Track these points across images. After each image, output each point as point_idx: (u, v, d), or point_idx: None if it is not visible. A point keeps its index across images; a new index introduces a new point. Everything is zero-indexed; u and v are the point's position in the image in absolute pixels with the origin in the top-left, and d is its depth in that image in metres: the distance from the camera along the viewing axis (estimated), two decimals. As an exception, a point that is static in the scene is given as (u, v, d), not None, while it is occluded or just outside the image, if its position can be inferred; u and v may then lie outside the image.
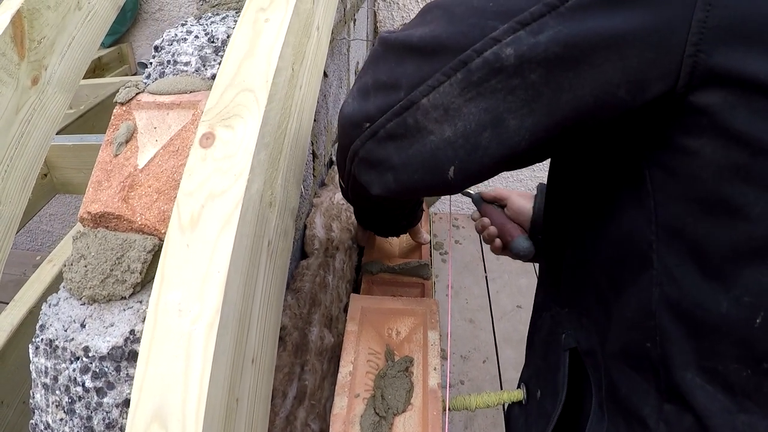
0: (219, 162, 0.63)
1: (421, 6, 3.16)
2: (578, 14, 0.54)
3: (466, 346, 2.94)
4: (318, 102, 1.34)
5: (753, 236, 0.54)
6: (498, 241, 1.24)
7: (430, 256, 1.48)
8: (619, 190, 0.67)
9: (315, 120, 1.33)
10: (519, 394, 1.00)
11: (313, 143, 1.35)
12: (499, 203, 1.31)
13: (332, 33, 1.54)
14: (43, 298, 1.54)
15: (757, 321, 0.55)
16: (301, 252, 1.33)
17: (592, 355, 0.77)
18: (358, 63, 2.33)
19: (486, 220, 1.30)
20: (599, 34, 0.54)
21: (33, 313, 1.50)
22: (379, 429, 0.91)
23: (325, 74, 1.46)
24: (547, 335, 0.91)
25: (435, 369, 1.00)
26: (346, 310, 1.31)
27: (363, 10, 2.51)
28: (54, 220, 4.00)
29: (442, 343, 2.90)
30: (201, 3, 0.99)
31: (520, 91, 0.59)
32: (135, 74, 3.30)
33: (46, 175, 1.97)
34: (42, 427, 0.66)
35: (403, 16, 3.12)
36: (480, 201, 1.34)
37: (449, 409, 0.99)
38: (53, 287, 1.59)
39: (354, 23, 2.15)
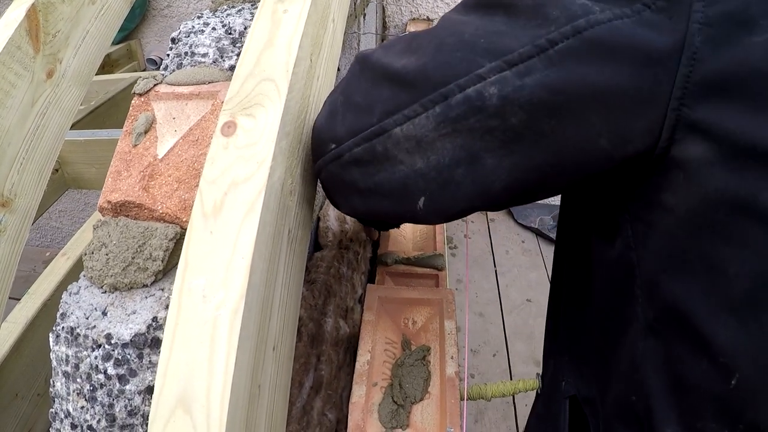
0: (241, 150, 0.64)
1: (429, 0, 3.17)
2: (567, 60, 0.54)
3: (476, 340, 2.95)
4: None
5: (728, 295, 0.52)
6: None
7: (445, 246, 1.48)
8: (605, 241, 0.66)
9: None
10: (534, 383, 1.01)
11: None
12: None
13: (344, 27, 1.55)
14: (57, 290, 1.55)
15: (732, 383, 0.53)
16: (315, 244, 1.33)
17: (591, 404, 0.76)
18: (367, 57, 2.34)
19: None
20: (587, 85, 0.53)
21: (48, 306, 1.51)
22: (397, 417, 0.91)
23: (339, 68, 1.47)
24: (550, 382, 0.90)
25: (452, 358, 1.01)
26: (360, 301, 1.31)
27: (372, 5, 2.51)
28: (63, 217, 4.01)
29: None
30: (216, -5, 0.99)
31: (498, 132, 0.58)
32: (144, 70, 3.31)
33: (57, 170, 1.98)
34: (63, 416, 0.66)
35: (411, 11, 3.12)
36: None
37: (467, 398, 0.99)
38: (68, 280, 1.59)
39: (364, 18, 2.16)
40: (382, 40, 3.09)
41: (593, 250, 0.69)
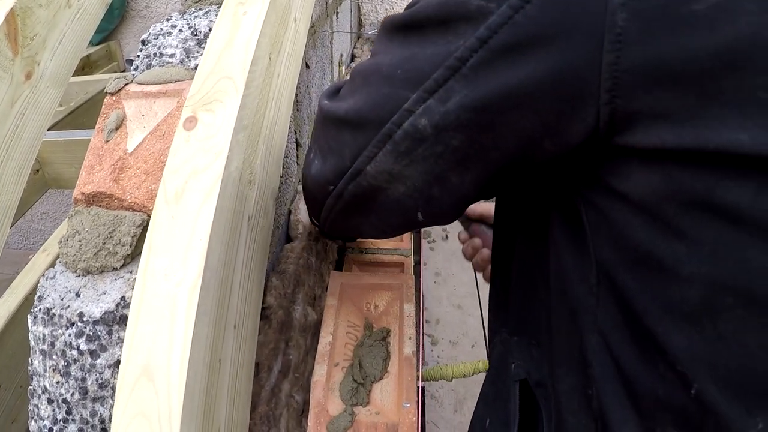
0: (201, 142, 0.69)
1: (404, -1, 3.21)
2: (482, 74, 0.52)
3: (455, 332, 3.00)
4: (300, 93, 1.39)
5: (683, 299, 0.49)
6: None
7: (411, 241, 1.53)
8: (565, 224, 0.62)
9: (298, 110, 1.38)
10: (493, 363, 1.04)
11: (296, 132, 1.40)
12: (488, 222, 1.20)
13: (314, 26, 1.59)
14: (38, 285, 1.58)
15: (692, 392, 0.49)
16: (286, 236, 1.38)
17: (543, 387, 0.72)
18: (342, 55, 2.38)
19: (477, 241, 1.19)
20: (505, 94, 0.52)
21: (29, 300, 1.54)
22: (358, 395, 0.97)
23: (308, 66, 1.51)
24: (497, 362, 0.85)
25: (410, 338, 1.06)
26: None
27: (346, 3, 2.55)
28: (45, 219, 4.02)
29: (431, 329, 2.96)
30: (185, -1, 1.04)
31: (448, 155, 0.59)
32: (123, 71, 3.32)
33: (38, 170, 2.00)
34: (40, 392, 0.71)
35: (386, 9, 3.16)
36: (467, 221, 1.22)
37: (426, 379, 1.05)
38: (48, 275, 1.63)
39: (337, 16, 2.20)
40: (358, 38, 3.13)
41: (552, 232, 0.65)
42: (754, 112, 0.43)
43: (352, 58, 2.94)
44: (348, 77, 0.72)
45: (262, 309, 1.09)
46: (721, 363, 0.47)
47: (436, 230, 3.74)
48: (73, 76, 1.09)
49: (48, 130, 1.03)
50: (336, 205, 0.76)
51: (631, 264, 0.53)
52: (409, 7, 0.62)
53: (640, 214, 0.51)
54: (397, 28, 0.62)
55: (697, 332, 0.48)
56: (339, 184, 0.71)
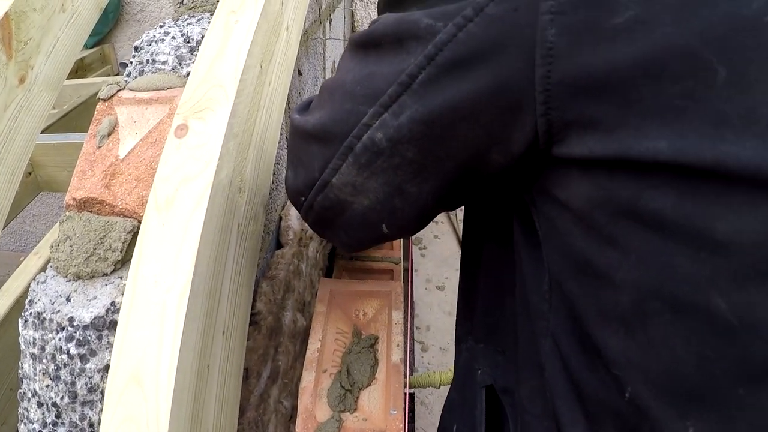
0: (192, 150, 0.70)
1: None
2: (431, 89, 0.55)
3: (445, 339, 3.01)
4: (293, 100, 1.40)
5: (617, 304, 0.50)
6: None
7: (401, 249, 1.54)
8: (524, 231, 0.65)
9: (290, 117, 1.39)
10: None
11: (288, 139, 1.41)
12: None
13: (307, 33, 1.60)
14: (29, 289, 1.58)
15: (626, 396, 0.51)
16: (277, 242, 1.39)
17: (509, 393, 0.76)
18: (334, 62, 2.38)
19: None
20: (451, 107, 0.54)
21: (20, 303, 1.54)
22: (345, 401, 0.97)
23: (300, 72, 1.52)
24: (463, 369, 0.87)
25: (398, 345, 1.07)
26: (318, 295, 1.37)
27: (339, 10, 2.56)
28: (37, 221, 4.02)
29: (421, 336, 2.97)
30: (179, 5, 1.05)
31: (405, 166, 0.61)
32: (117, 74, 3.31)
33: (30, 173, 2.00)
34: (30, 395, 0.72)
35: (380, 16, 3.17)
36: None
37: (414, 385, 1.05)
38: (39, 278, 1.62)
39: (330, 23, 2.21)
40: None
41: (515, 240, 0.68)
42: (672, 120, 0.44)
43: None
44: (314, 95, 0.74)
45: (252, 315, 1.10)
46: (652, 367, 0.49)
47: (427, 236, 3.76)
48: (66, 79, 1.10)
49: (41, 132, 1.03)
50: (308, 216, 0.77)
51: (575, 271, 0.55)
52: (371, 23, 0.64)
53: (579, 223, 0.53)
54: (358, 45, 0.65)
55: (630, 337, 0.50)
56: (309, 195, 0.73)
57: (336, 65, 2.48)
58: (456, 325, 0.93)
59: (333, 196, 0.69)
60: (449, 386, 0.91)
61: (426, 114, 0.56)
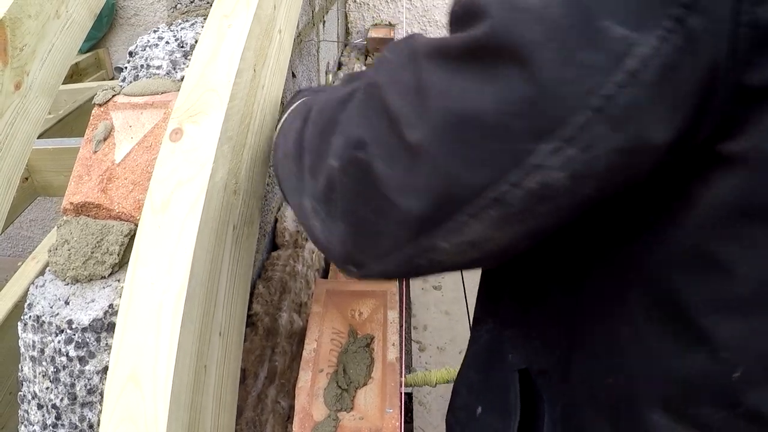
0: (187, 153, 0.71)
1: (391, 6, 3.24)
2: (632, 114, 0.45)
3: (442, 338, 3.00)
4: (286, 102, 1.41)
5: (735, 293, 0.49)
6: None
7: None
8: (611, 227, 0.59)
9: (284, 119, 1.40)
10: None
11: (282, 141, 1.41)
12: None
13: (300, 35, 1.60)
14: (27, 292, 1.59)
15: (735, 375, 0.50)
16: (272, 244, 1.40)
17: (547, 378, 0.71)
18: (328, 63, 2.39)
19: None
20: (648, 138, 0.46)
21: (18, 308, 1.55)
22: (342, 400, 0.98)
23: (294, 75, 1.53)
24: (487, 351, 0.83)
25: (393, 345, 1.08)
26: (314, 296, 1.38)
27: (333, 12, 2.56)
28: (34, 226, 4.02)
29: (419, 336, 2.98)
30: (172, 10, 1.05)
31: (571, 207, 0.52)
32: (112, 79, 3.30)
33: (27, 178, 1.99)
34: (30, 397, 0.73)
35: (373, 17, 3.18)
36: None
37: (410, 384, 1.06)
38: (37, 283, 1.63)
39: (323, 25, 2.21)
40: (345, 46, 3.15)
41: (590, 232, 0.61)
42: None
43: (339, 66, 2.95)
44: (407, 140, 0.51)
45: (249, 316, 1.11)
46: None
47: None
48: (61, 84, 1.10)
49: (37, 138, 1.03)
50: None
51: (686, 265, 0.53)
52: (461, 19, 0.51)
53: (707, 221, 0.50)
54: (470, 55, 0.48)
55: (746, 323, 0.50)
56: (377, 270, 0.61)
57: (330, 66, 2.48)
58: (476, 307, 0.89)
59: (425, 262, 0.56)
60: (449, 383, 0.90)
61: (625, 143, 0.45)
